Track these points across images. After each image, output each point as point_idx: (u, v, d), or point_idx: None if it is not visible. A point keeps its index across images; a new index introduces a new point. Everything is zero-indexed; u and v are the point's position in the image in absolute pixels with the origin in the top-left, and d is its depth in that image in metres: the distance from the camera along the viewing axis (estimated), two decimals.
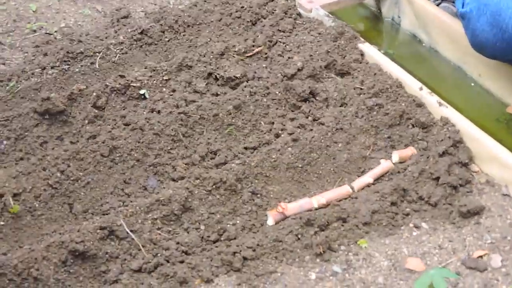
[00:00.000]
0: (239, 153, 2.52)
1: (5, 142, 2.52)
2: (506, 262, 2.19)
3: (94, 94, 2.66)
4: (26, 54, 2.95)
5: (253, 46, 2.91)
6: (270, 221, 2.31)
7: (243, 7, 3.10)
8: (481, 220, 2.31)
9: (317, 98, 2.68)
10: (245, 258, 2.17)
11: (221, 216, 2.32)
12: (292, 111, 2.66)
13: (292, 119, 2.62)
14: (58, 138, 2.56)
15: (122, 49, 2.93)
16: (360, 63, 2.81)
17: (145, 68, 2.80)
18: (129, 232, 2.22)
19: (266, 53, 2.90)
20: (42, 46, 2.96)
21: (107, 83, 2.70)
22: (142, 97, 2.72)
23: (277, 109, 2.66)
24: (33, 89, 2.76)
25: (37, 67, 2.83)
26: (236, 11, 3.10)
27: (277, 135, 2.58)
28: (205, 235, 2.26)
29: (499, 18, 2.48)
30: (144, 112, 2.65)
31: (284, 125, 2.60)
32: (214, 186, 2.35)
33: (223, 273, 2.15)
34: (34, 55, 2.92)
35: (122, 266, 2.17)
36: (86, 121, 2.60)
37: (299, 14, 3.06)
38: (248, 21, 3.05)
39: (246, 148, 2.55)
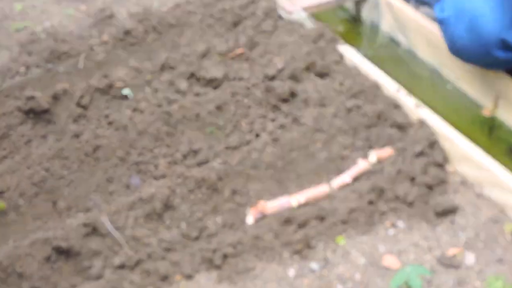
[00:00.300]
0: (220, 152, 2.54)
1: None
2: (479, 260, 2.21)
3: (78, 93, 2.67)
4: (10, 52, 2.95)
5: (235, 47, 2.93)
6: (250, 219, 2.32)
7: (225, 8, 3.10)
8: (456, 219, 2.33)
9: (297, 98, 2.68)
10: (225, 255, 2.19)
11: (203, 214, 2.33)
12: (273, 111, 2.66)
13: (272, 120, 2.63)
14: (42, 137, 2.57)
15: (105, 49, 2.94)
16: (340, 64, 2.83)
17: (128, 68, 2.80)
18: (112, 229, 2.23)
19: (247, 54, 2.91)
20: (26, 45, 2.97)
21: (91, 83, 2.71)
22: (126, 96, 2.72)
23: (257, 109, 2.67)
24: (17, 87, 2.77)
25: (21, 66, 2.84)
26: (218, 12, 3.11)
27: (258, 135, 2.59)
28: (186, 233, 2.27)
29: (476, 24, 2.51)
30: (127, 111, 2.66)
31: (265, 125, 2.61)
32: (195, 185, 2.37)
33: (203, 270, 2.16)
34: (19, 54, 2.92)
35: (105, 262, 2.18)
36: (70, 120, 2.61)
37: (280, 16, 3.07)
38: (229, 23, 3.07)
39: (227, 148, 2.55)
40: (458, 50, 2.61)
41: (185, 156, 2.52)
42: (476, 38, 2.53)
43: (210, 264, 2.18)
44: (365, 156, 2.53)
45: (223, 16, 3.08)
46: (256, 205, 2.34)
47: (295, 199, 2.37)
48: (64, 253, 2.17)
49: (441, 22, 2.61)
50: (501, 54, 2.55)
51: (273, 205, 2.35)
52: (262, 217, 2.33)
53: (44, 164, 2.41)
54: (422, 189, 2.37)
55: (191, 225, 2.30)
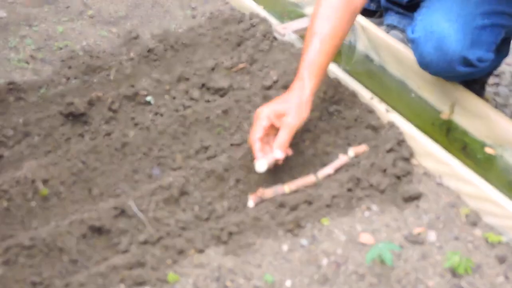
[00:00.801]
0: (226, 148, 2.52)
1: (36, 138, 2.50)
2: (440, 237, 2.20)
3: (109, 100, 2.65)
4: (54, 67, 2.94)
5: (238, 62, 2.90)
6: (251, 203, 2.30)
7: (230, 31, 3.09)
8: (420, 204, 2.32)
9: None
10: (230, 233, 2.17)
11: (212, 199, 2.32)
12: None
13: None
14: (80, 135, 2.55)
15: (132, 64, 2.92)
16: None
17: (151, 80, 2.78)
18: (137, 211, 2.22)
19: (248, 69, 2.89)
20: (67, 61, 2.95)
21: (120, 91, 2.69)
22: (148, 103, 2.70)
23: None
24: (59, 95, 2.75)
25: (63, 77, 2.82)
26: (225, 35, 3.09)
27: None
28: (198, 214, 2.26)
29: (442, 44, 2.49)
30: (150, 115, 2.64)
31: None
32: (206, 175, 2.36)
33: (213, 245, 2.15)
34: (61, 68, 2.91)
35: (131, 239, 2.16)
36: (103, 122, 2.59)
37: (275, 38, 3.05)
38: (234, 43, 3.04)
39: (232, 145, 2.54)
40: (426, 65, 2.59)
41: (197, 152, 2.50)
42: (442, 55, 2.51)
43: (218, 240, 2.16)
44: (344, 152, 2.51)
45: (229, 37, 3.07)
46: (256, 191, 2.32)
47: (287, 187, 2.35)
48: (97, 231, 2.16)
49: (412, 41, 2.59)
50: (462, 69, 2.55)
51: (270, 191, 2.33)
52: (260, 202, 2.31)
53: (81, 158, 2.39)
54: (392, 179, 2.36)
55: (203, 208, 2.29)
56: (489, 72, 2.98)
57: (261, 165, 2.28)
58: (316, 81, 2.37)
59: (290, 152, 2.37)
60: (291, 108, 2.31)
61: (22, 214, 2.23)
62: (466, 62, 2.53)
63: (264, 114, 2.30)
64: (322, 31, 2.39)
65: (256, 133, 2.30)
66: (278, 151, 2.29)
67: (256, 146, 2.30)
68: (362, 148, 2.50)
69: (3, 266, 2.02)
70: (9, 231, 2.18)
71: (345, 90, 2.69)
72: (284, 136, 2.30)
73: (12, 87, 2.72)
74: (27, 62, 2.95)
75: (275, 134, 2.32)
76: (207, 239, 2.16)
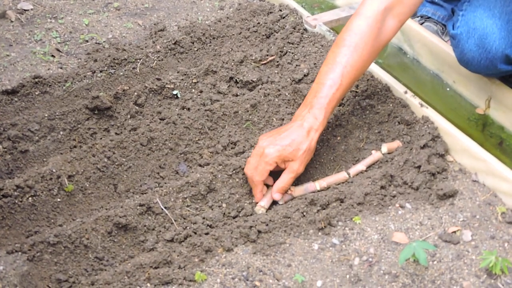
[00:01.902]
0: (255, 144, 2.50)
1: (61, 132, 2.51)
2: (475, 237, 2.17)
3: (135, 93, 2.65)
4: (79, 60, 2.94)
5: (267, 55, 2.89)
6: (281, 201, 2.30)
7: (259, 23, 3.08)
8: (455, 202, 2.29)
9: None
10: (259, 231, 2.16)
11: (240, 196, 2.31)
12: None
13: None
14: (105, 130, 2.55)
15: (158, 56, 2.92)
16: None
17: (178, 73, 2.78)
18: (163, 208, 2.21)
19: (277, 61, 2.88)
20: (92, 54, 2.96)
21: (146, 85, 2.69)
22: (175, 96, 2.70)
23: (286, 107, 2.64)
24: (85, 89, 2.76)
25: (88, 71, 2.82)
26: (253, 26, 3.08)
27: None
28: (226, 212, 2.26)
29: (485, 41, 2.47)
30: (176, 109, 2.64)
31: None
32: (234, 171, 2.34)
33: (241, 244, 2.14)
34: (86, 61, 2.92)
35: (157, 237, 2.16)
36: (129, 116, 2.59)
37: (305, 30, 3.03)
38: (263, 35, 3.03)
39: None
40: (467, 62, 2.56)
41: (225, 147, 2.49)
42: (484, 53, 2.48)
43: (246, 238, 2.15)
44: (377, 147, 2.50)
45: (258, 29, 3.06)
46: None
47: (318, 184, 2.34)
48: (123, 228, 2.16)
49: (453, 37, 2.56)
50: (504, 67, 2.53)
51: (300, 189, 2.33)
52: (290, 199, 2.31)
53: (106, 153, 2.38)
54: (426, 176, 2.33)
55: (230, 205, 2.28)
56: None
57: (259, 210, 2.27)
58: (327, 119, 2.33)
59: (287, 196, 2.33)
60: (300, 156, 2.26)
61: (47, 210, 2.24)
62: (508, 60, 2.50)
63: (271, 159, 2.24)
64: (347, 62, 2.32)
65: (261, 176, 2.27)
66: (277, 195, 2.28)
67: (260, 187, 2.29)
68: (396, 144, 2.48)
69: (29, 262, 2.03)
70: (34, 227, 2.19)
71: (378, 84, 2.66)
72: (288, 181, 2.28)
73: (38, 81, 2.73)
74: (53, 55, 2.96)
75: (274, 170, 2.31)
76: (235, 238, 2.15)
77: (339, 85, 2.30)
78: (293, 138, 2.26)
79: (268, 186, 2.32)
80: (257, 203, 2.29)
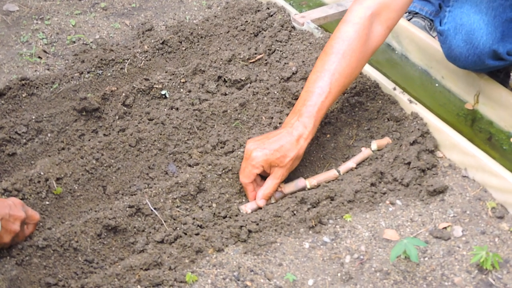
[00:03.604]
0: (244, 143, 2.49)
1: (49, 135, 2.49)
2: (466, 232, 2.17)
3: (123, 94, 2.63)
4: (66, 61, 2.93)
5: (255, 53, 2.89)
6: (272, 199, 2.29)
7: (247, 21, 3.07)
8: (445, 198, 2.29)
9: None
10: (250, 231, 2.15)
11: (230, 196, 2.30)
12: (288, 107, 2.62)
13: (288, 114, 2.56)
14: (93, 131, 2.54)
15: (146, 56, 2.91)
16: None
17: (166, 73, 2.76)
18: (153, 209, 2.20)
19: (266, 60, 2.87)
20: (80, 55, 2.94)
21: (134, 85, 2.67)
22: (163, 96, 2.69)
23: (275, 106, 2.63)
24: (72, 90, 2.74)
25: (75, 72, 2.81)
26: (241, 25, 3.07)
27: (276, 128, 2.54)
28: (216, 212, 2.25)
29: (472, 37, 2.47)
30: (165, 109, 2.62)
31: (282, 119, 2.56)
32: (223, 171, 2.33)
33: (232, 244, 2.13)
34: (73, 62, 2.90)
35: (147, 238, 2.15)
36: (117, 117, 2.57)
37: (293, 27, 3.03)
38: (251, 33, 3.03)
39: (250, 139, 2.49)
40: (455, 58, 2.56)
41: (214, 147, 2.48)
42: (472, 48, 2.48)
43: (237, 238, 2.14)
44: (367, 144, 2.49)
45: (246, 27, 3.05)
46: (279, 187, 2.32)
47: (308, 182, 2.34)
48: (113, 230, 2.14)
49: (440, 33, 2.56)
50: (491, 62, 2.53)
51: (291, 186, 2.32)
52: (281, 197, 2.31)
53: (95, 154, 2.37)
54: (416, 172, 2.33)
55: (220, 205, 2.27)
56: None
57: (244, 210, 2.26)
58: (317, 127, 2.32)
59: (278, 194, 2.32)
60: (287, 162, 2.26)
61: None
62: (496, 55, 2.50)
63: (258, 163, 2.24)
64: (335, 70, 2.32)
65: (247, 179, 2.27)
66: (262, 201, 2.27)
67: (250, 188, 2.29)
68: (385, 140, 2.47)
69: (17, 267, 2.01)
70: None
71: (367, 81, 2.66)
72: (272, 187, 2.28)
73: (25, 83, 2.72)
74: (40, 57, 2.94)
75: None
76: (226, 238, 2.14)
77: (328, 93, 2.29)
78: (282, 144, 2.26)
79: None
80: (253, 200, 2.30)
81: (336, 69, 2.31)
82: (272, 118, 2.58)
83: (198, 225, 2.19)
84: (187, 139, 2.50)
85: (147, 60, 2.91)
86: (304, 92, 2.33)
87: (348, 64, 2.32)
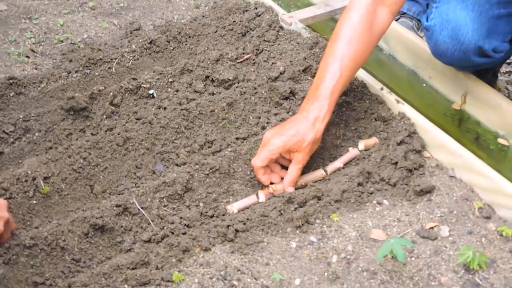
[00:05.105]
0: (231, 142, 2.50)
1: (37, 134, 2.49)
2: (452, 232, 2.18)
3: (111, 93, 2.63)
4: (54, 60, 2.92)
5: (243, 53, 2.89)
6: (262, 199, 2.29)
7: (235, 21, 3.07)
8: (432, 198, 2.30)
9: (296, 96, 2.64)
10: (237, 230, 2.15)
11: (217, 195, 2.30)
12: (276, 107, 2.62)
13: (275, 114, 2.59)
14: (81, 131, 2.53)
15: (134, 56, 2.91)
16: None
17: (153, 72, 2.76)
18: (140, 209, 2.20)
19: (253, 59, 2.87)
20: (68, 54, 2.94)
21: (122, 85, 2.67)
22: (151, 96, 2.68)
23: (263, 105, 2.63)
24: (60, 89, 2.74)
25: (63, 71, 2.80)
26: (229, 25, 3.07)
27: (263, 127, 2.55)
28: (203, 211, 2.24)
29: (458, 33, 2.47)
30: (153, 109, 2.62)
31: (269, 119, 2.57)
32: (210, 170, 2.33)
33: (219, 243, 2.13)
34: (61, 61, 2.90)
35: (134, 237, 2.14)
36: (104, 116, 2.57)
37: (281, 27, 3.03)
38: (239, 33, 3.03)
39: (237, 138, 2.52)
40: (440, 54, 2.57)
41: (201, 146, 2.48)
42: (457, 44, 2.49)
43: (224, 238, 2.14)
44: (354, 144, 2.50)
45: (233, 27, 3.05)
46: (267, 187, 2.31)
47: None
48: (100, 229, 2.14)
49: (427, 29, 2.57)
50: (477, 59, 2.54)
51: (281, 187, 2.32)
52: (270, 197, 2.30)
53: (82, 154, 2.36)
54: (403, 172, 2.33)
55: (208, 204, 2.27)
56: (502, 61, 2.95)
57: (231, 210, 2.26)
58: (331, 110, 2.35)
59: (268, 195, 2.32)
60: (306, 146, 2.28)
61: (23, 212, 2.21)
62: (481, 52, 2.51)
63: (275, 148, 2.27)
64: (343, 55, 2.35)
65: (262, 162, 2.28)
66: (290, 188, 2.30)
67: (261, 172, 2.30)
68: (373, 140, 2.48)
69: (4, 266, 2.00)
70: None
71: (354, 81, 2.66)
72: (296, 172, 2.30)
73: (12, 82, 2.71)
74: (27, 56, 2.93)
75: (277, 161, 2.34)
76: (213, 237, 2.14)
77: (339, 76, 2.32)
78: (299, 128, 2.28)
79: (264, 186, 2.34)
80: (267, 186, 2.31)
81: (344, 54, 2.34)
82: (259, 117, 2.58)
83: (185, 225, 2.18)
84: (175, 139, 2.49)
85: (135, 60, 2.90)
86: (316, 78, 2.36)
87: (355, 49, 2.35)
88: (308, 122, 2.29)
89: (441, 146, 2.40)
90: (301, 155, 2.28)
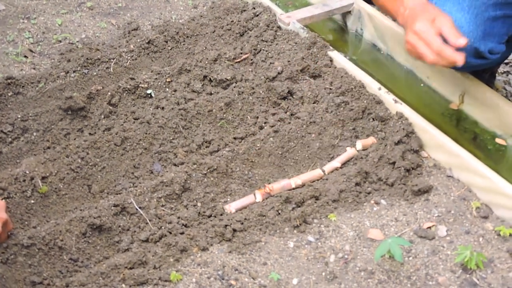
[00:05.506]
0: (229, 142, 2.50)
1: (35, 133, 2.49)
2: (450, 232, 2.18)
3: (109, 93, 2.62)
4: (52, 60, 2.92)
5: (241, 53, 2.88)
6: (259, 198, 2.28)
7: (233, 21, 3.07)
8: (430, 197, 2.30)
9: (294, 96, 2.65)
10: (234, 230, 2.15)
11: (215, 195, 2.30)
12: (273, 107, 2.63)
13: (273, 114, 2.59)
14: (79, 130, 2.53)
15: (132, 56, 2.91)
16: (330, 67, 2.78)
17: (151, 72, 2.76)
18: (138, 208, 2.20)
19: (251, 59, 2.87)
20: (66, 54, 2.94)
21: (120, 84, 2.67)
22: (149, 96, 2.68)
23: (260, 105, 2.64)
24: (58, 89, 2.73)
25: (61, 71, 2.80)
26: (227, 25, 3.07)
27: (261, 127, 2.55)
28: (201, 211, 2.24)
29: None
30: (150, 108, 2.62)
31: (267, 119, 2.57)
32: (208, 170, 2.33)
33: (216, 243, 2.13)
34: (59, 61, 2.89)
35: (132, 237, 2.14)
36: (102, 116, 2.57)
37: (279, 27, 3.02)
38: (236, 33, 3.03)
39: (235, 138, 2.52)
40: None
41: (199, 146, 2.48)
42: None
43: (222, 237, 2.14)
44: (352, 144, 2.50)
45: (231, 27, 3.05)
46: (264, 187, 2.30)
47: (293, 182, 2.34)
48: (98, 229, 2.14)
49: None
50: (473, 61, 2.53)
51: (278, 187, 2.31)
52: (268, 197, 2.30)
53: (80, 153, 2.36)
54: (401, 172, 2.34)
55: (205, 204, 2.27)
56: (499, 62, 2.95)
57: (228, 209, 2.25)
58: None
59: (265, 194, 2.32)
60: (437, 11, 2.33)
61: (21, 212, 2.21)
62: (477, 53, 2.51)
63: (432, 33, 2.27)
64: None
65: (437, 41, 2.27)
66: (462, 39, 2.25)
67: (431, 32, 2.30)
68: (370, 140, 2.48)
69: (2, 265, 2.00)
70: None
71: (352, 81, 2.66)
72: (452, 26, 2.29)
73: (10, 82, 2.71)
74: (26, 56, 2.93)
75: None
76: (211, 237, 2.14)
77: None
78: (420, 11, 2.36)
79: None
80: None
81: None
82: (257, 117, 2.58)
83: (183, 224, 2.18)
84: (173, 139, 2.49)
85: (133, 60, 2.90)
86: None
87: None
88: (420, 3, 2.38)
89: (439, 146, 2.41)
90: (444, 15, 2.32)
